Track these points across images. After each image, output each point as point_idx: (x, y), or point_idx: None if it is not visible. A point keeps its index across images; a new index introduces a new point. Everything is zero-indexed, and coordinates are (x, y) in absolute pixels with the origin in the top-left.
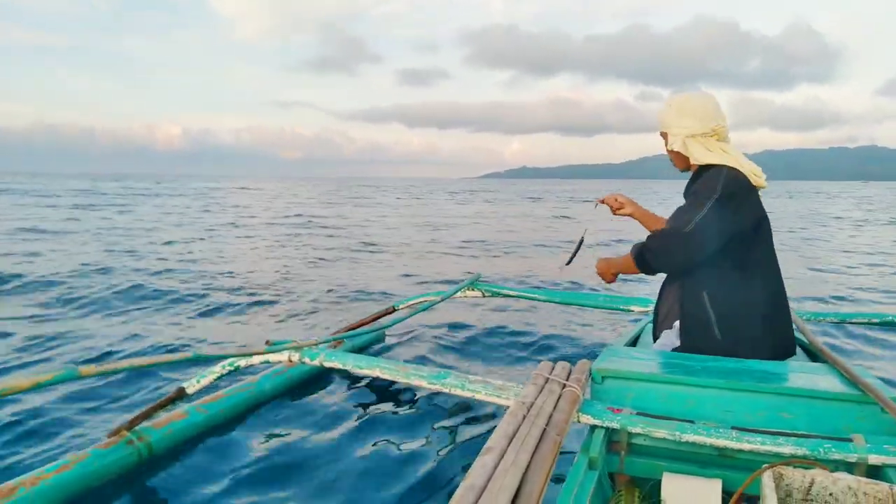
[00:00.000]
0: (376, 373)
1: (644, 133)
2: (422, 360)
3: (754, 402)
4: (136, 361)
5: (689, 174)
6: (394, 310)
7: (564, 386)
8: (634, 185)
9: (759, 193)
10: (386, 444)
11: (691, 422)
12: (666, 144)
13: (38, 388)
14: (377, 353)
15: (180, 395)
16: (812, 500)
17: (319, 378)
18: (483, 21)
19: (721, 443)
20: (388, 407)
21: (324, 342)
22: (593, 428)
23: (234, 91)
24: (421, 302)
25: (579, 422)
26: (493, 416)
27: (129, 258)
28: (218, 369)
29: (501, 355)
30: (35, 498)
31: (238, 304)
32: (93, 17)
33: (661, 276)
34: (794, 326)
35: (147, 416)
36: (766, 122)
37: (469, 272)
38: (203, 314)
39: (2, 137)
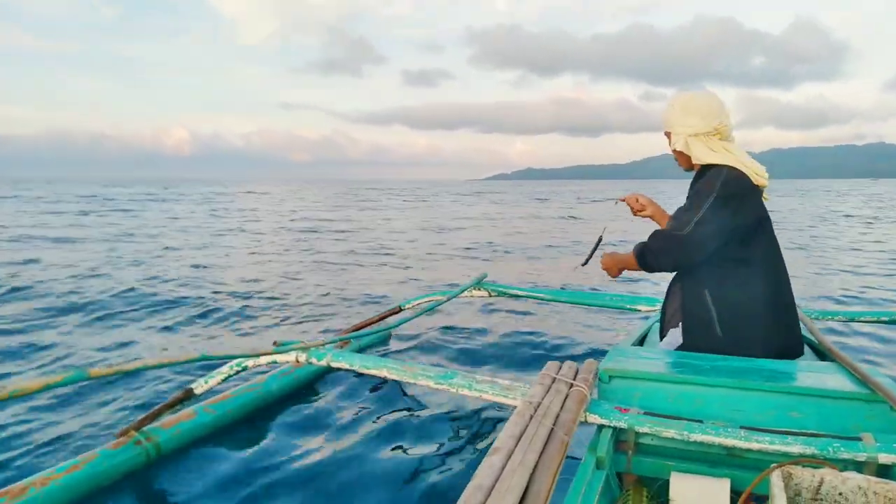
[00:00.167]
0: (383, 373)
1: (649, 133)
2: (428, 359)
3: (763, 402)
4: (145, 362)
5: (694, 173)
6: (400, 310)
7: (572, 386)
8: (640, 185)
9: (766, 192)
10: (393, 445)
11: (699, 421)
12: (670, 144)
13: (47, 388)
14: (384, 354)
15: (188, 396)
16: (821, 500)
17: (327, 378)
18: (487, 21)
19: (730, 442)
20: (395, 407)
21: (330, 343)
22: (601, 428)
23: (240, 94)
24: (427, 302)
25: (587, 421)
26: (501, 416)
27: (134, 263)
28: (226, 370)
29: (508, 355)
30: (45, 498)
31: (245, 307)
32: (98, 22)
33: (668, 276)
34: (801, 326)
35: (155, 416)
36: (772, 121)
37: (476, 273)
38: (210, 317)
39: (11, 144)
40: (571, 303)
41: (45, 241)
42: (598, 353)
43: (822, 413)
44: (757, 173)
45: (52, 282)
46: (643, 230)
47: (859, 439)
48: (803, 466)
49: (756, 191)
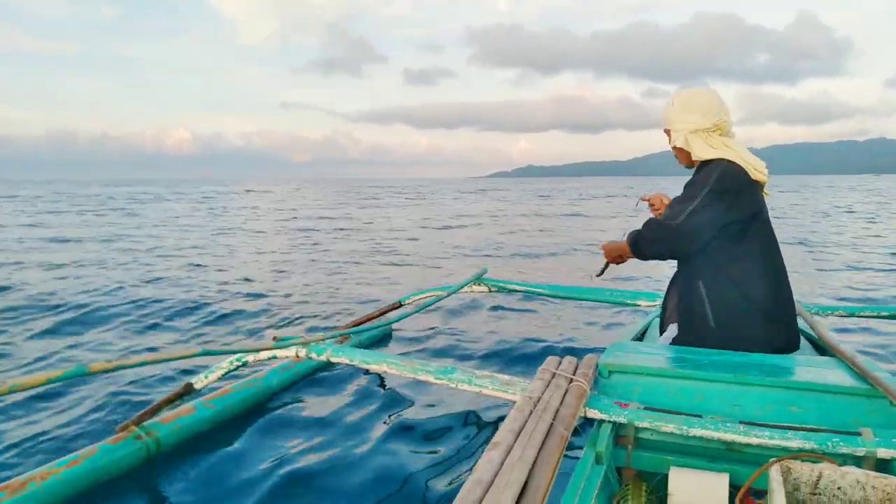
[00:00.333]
0: (383, 368)
1: (650, 129)
2: (429, 354)
3: (762, 397)
4: (145, 358)
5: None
6: (400, 305)
7: (571, 381)
8: (641, 181)
9: (767, 188)
10: (393, 439)
11: (699, 416)
12: (669, 141)
13: (48, 383)
14: (384, 349)
15: (188, 391)
16: (820, 494)
17: (327, 373)
18: (487, 20)
19: (729, 437)
20: (395, 402)
21: (331, 338)
22: (600, 422)
23: (241, 94)
24: (427, 297)
25: (586, 416)
26: (501, 411)
27: (132, 261)
28: (226, 365)
29: (508, 350)
30: (45, 492)
31: (245, 304)
32: (98, 23)
33: (668, 272)
34: (800, 320)
35: (155, 411)
36: (775, 117)
37: (476, 268)
38: (210, 315)
39: (13, 146)
40: (571, 298)
41: (43, 241)
42: (597, 349)
43: (822, 408)
44: (756, 168)
45: (47, 281)
46: None
47: (858, 434)
48: (802, 461)
49: (754, 186)
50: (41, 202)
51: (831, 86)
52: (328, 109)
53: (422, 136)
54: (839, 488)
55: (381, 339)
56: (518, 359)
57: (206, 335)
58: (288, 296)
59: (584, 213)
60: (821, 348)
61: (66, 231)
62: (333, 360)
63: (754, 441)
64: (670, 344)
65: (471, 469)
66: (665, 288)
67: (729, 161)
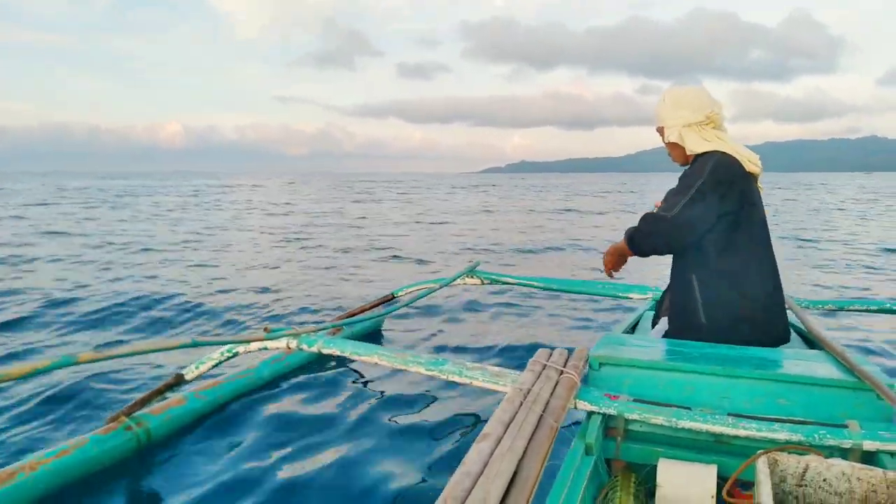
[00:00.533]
0: (375, 360)
1: (645, 126)
2: (420, 346)
3: (751, 389)
4: (135, 347)
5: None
6: (392, 297)
7: (562, 372)
8: (634, 178)
9: (760, 182)
10: (383, 431)
11: (688, 408)
12: (663, 138)
13: (36, 374)
14: (376, 341)
15: (179, 382)
16: (806, 486)
17: (318, 365)
18: (483, 15)
19: (717, 429)
20: (385, 394)
21: (322, 329)
22: (590, 414)
23: (235, 88)
24: (420, 289)
25: (576, 408)
26: (491, 402)
27: (127, 257)
28: (216, 356)
29: (499, 342)
30: (34, 483)
31: (236, 297)
32: (91, 16)
33: (664, 266)
34: (789, 313)
35: (145, 402)
36: (771, 115)
37: (469, 260)
38: (201, 307)
39: (4, 137)
40: (563, 291)
41: (36, 234)
42: (588, 341)
43: (810, 400)
44: (749, 160)
45: (39, 277)
46: None
47: (845, 426)
48: (789, 453)
49: (748, 177)
50: (33, 195)
51: (825, 83)
52: (323, 103)
53: (416, 131)
54: (825, 480)
55: (373, 332)
56: (509, 351)
57: (197, 328)
58: (280, 290)
59: (577, 209)
60: (810, 341)
61: (59, 225)
62: (325, 351)
63: (742, 433)
64: (661, 337)
65: (460, 460)
66: (659, 282)
67: (723, 153)
